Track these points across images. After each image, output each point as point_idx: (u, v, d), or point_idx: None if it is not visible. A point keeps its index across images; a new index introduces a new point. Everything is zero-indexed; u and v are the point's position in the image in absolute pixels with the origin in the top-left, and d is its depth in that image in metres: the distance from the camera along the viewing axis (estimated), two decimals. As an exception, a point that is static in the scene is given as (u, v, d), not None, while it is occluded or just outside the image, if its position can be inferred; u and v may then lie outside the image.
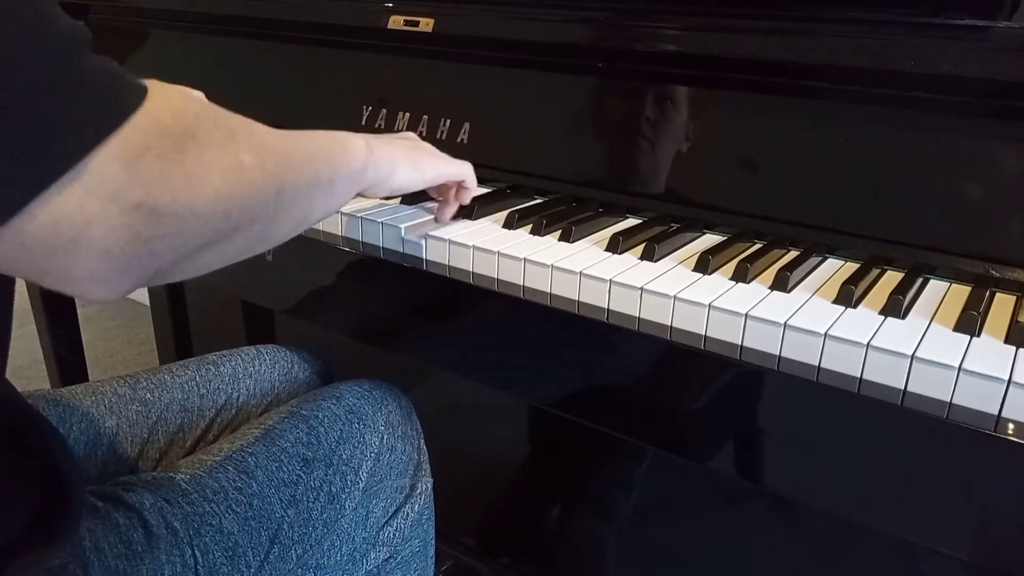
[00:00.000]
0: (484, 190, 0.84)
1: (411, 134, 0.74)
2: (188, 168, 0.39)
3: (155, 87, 0.39)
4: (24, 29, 0.34)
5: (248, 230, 0.44)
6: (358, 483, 0.68)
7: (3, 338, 0.45)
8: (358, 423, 0.70)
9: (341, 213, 0.77)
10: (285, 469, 0.64)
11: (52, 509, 0.47)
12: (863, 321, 0.55)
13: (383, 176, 0.62)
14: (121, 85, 0.37)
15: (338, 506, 0.66)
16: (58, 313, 1.38)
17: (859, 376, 0.52)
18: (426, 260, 0.72)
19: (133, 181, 0.36)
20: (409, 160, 0.66)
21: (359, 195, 0.62)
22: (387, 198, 0.77)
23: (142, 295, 2.04)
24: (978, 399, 0.49)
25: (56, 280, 0.37)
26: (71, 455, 0.52)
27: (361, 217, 0.76)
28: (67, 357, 1.40)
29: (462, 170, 0.72)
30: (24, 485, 0.45)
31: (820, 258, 0.68)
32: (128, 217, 0.36)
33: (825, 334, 0.53)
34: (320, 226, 0.79)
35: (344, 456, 0.67)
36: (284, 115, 1.05)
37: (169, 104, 0.39)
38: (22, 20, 0.34)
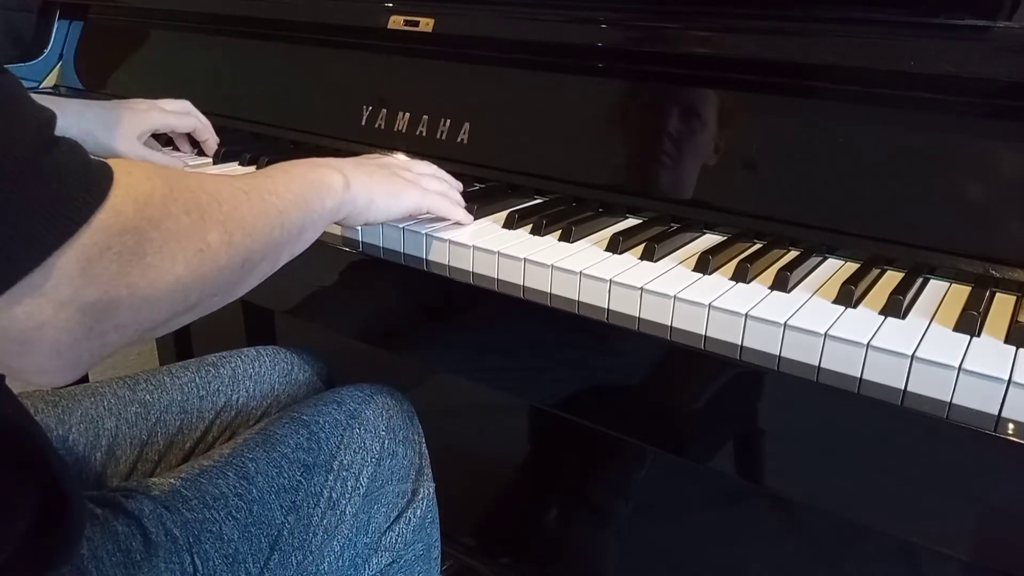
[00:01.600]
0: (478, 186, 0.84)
1: (401, 156, 0.74)
2: (148, 261, 0.39)
3: (121, 170, 0.39)
4: None
5: (207, 303, 0.45)
6: (359, 488, 0.68)
7: None
8: (359, 428, 0.70)
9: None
10: (286, 475, 0.64)
11: (53, 527, 0.46)
12: (863, 321, 0.55)
13: (359, 210, 0.62)
14: (84, 181, 0.36)
15: (339, 512, 0.66)
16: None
17: (859, 376, 0.52)
18: (426, 260, 0.72)
19: (89, 284, 0.36)
20: (388, 191, 0.65)
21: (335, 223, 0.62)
22: None
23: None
24: (978, 399, 0.49)
25: (5, 371, 0.37)
26: (71, 475, 0.51)
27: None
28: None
29: (441, 205, 0.70)
30: (23, 502, 0.45)
31: (820, 258, 0.68)
32: (81, 317, 0.36)
33: (825, 334, 0.53)
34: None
35: (345, 462, 0.67)
36: (284, 115, 1.05)
37: (133, 193, 0.38)
38: None
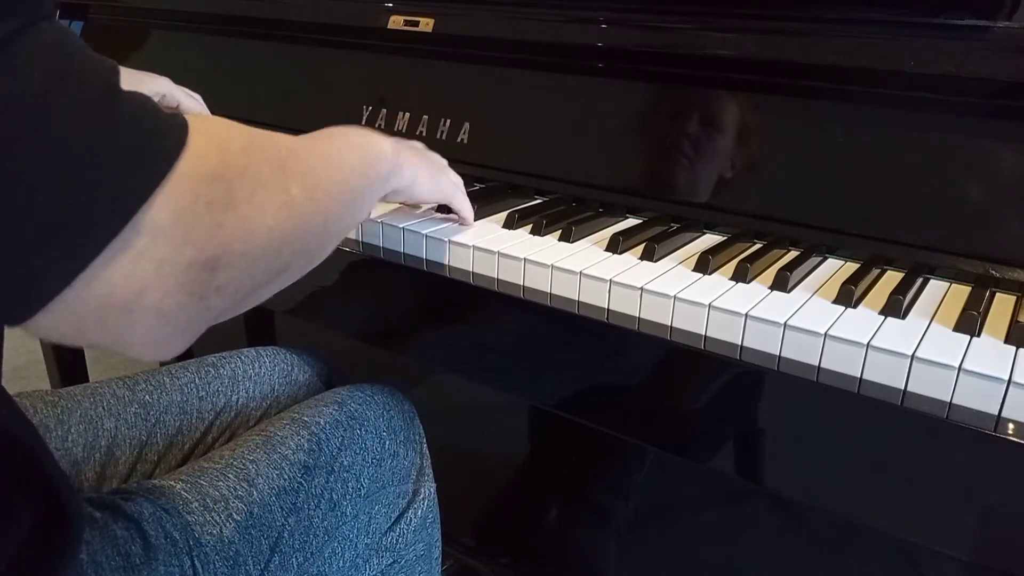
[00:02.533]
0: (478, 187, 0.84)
1: (419, 144, 0.72)
2: (241, 213, 0.36)
3: (195, 123, 0.36)
4: (54, 77, 0.31)
5: (297, 264, 0.42)
6: (360, 489, 0.67)
7: None
8: (360, 429, 0.70)
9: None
10: (286, 476, 0.63)
11: (51, 535, 0.46)
12: (863, 321, 0.55)
13: (405, 183, 0.61)
14: (160, 128, 0.34)
15: (339, 513, 0.65)
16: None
17: (859, 376, 0.52)
18: (426, 260, 0.72)
19: (185, 239, 0.33)
20: (428, 172, 0.65)
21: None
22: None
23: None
24: (978, 399, 0.49)
25: (112, 346, 0.35)
26: (69, 482, 0.50)
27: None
28: (66, 357, 1.40)
29: (464, 201, 0.71)
30: (20, 510, 0.44)
31: (820, 258, 0.68)
32: (182, 278, 0.34)
33: (825, 334, 0.53)
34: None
35: (346, 463, 0.67)
36: (284, 115, 1.05)
37: (213, 141, 0.36)
38: (51, 68, 0.31)
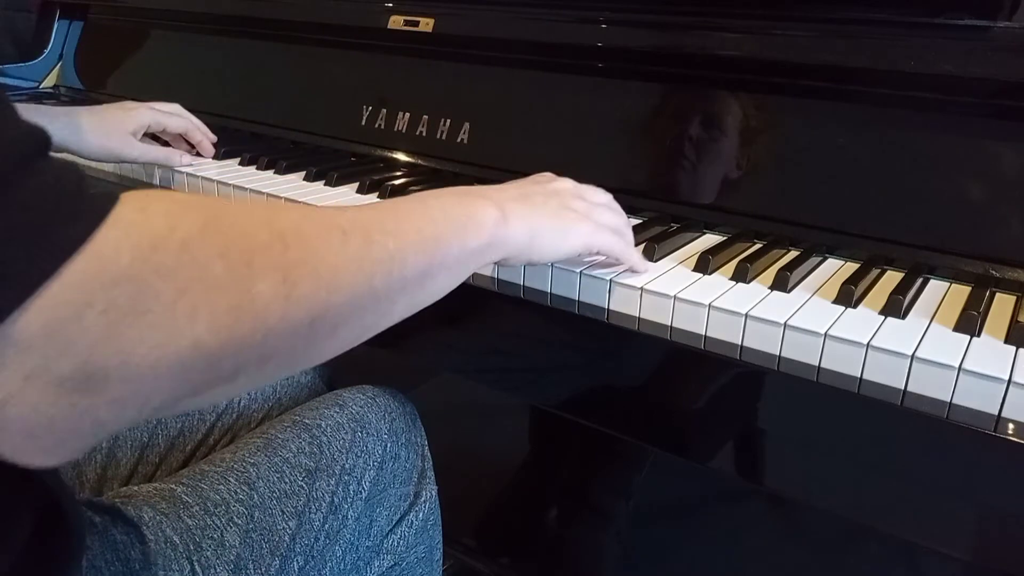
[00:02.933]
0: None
1: (570, 182, 0.61)
2: (151, 320, 0.30)
3: (129, 204, 0.30)
4: None
5: (256, 372, 0.35)
6: (361, 493, 0.67)
7: None
8: (361, 432, 0.69)
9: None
10: (287, 480, 0.63)
11: (51, 544, 0.45)
12: (863, 321, 0.55)
13: (517, 249, 0.51)
14: (61, 214, 0.28)
15: (341, 516, 0.65)
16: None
17: (859, 376, 0.52)
18: (426, 260, 0.72)
19: (62, 351, 0.28)
20: (554, 226, 0.54)
21: None
22: None
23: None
24: (978, 399, 0.49)
25: None
26: (70, 491, 0.49)
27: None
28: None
29: (614, 245, 0.59)
30: (18, 519, 0.43)
31: (820, 258, 0.68)
32: (56, 391, 0.29)
33: (825, 334, 0.53)
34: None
35: (347, 466, 0.67)
36: (284, 115, 1.05)
37: (136, 233, 0.30)
38: None
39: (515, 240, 0.50)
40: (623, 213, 0.62)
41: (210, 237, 0.32)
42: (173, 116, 0.95)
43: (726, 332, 0.57)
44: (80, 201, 0.29)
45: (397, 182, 0.83)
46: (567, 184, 0.60)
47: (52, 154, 0.31)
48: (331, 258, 0.36)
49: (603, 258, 0.62)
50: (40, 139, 0.30)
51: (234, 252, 0.33)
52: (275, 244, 0.34)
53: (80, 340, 0.29)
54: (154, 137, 0.96)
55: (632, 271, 0.61)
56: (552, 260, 0.56)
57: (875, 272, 0.64)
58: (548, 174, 0.61)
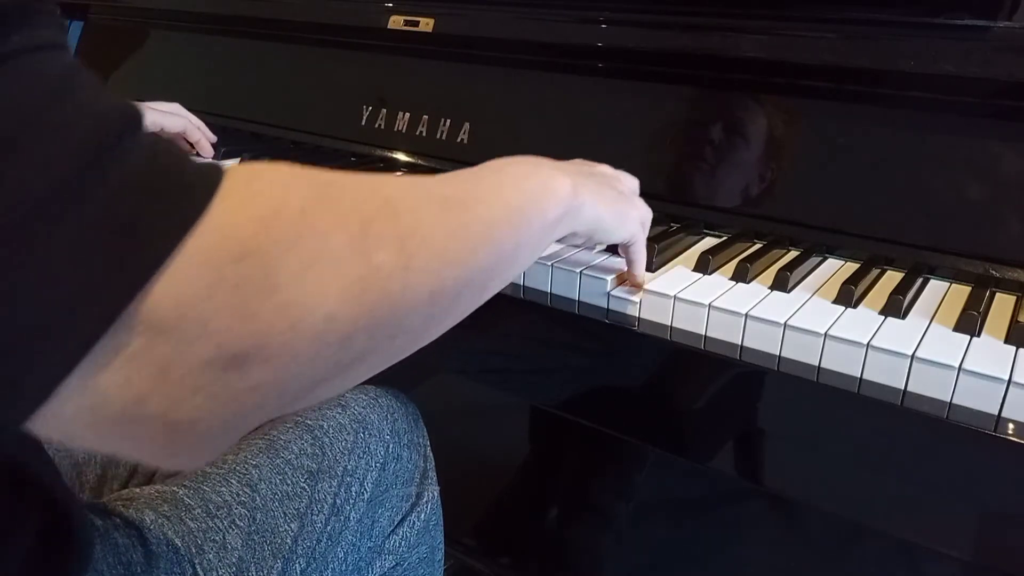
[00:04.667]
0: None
1: (608, 167, 0.58)
2: (284, 297, 0.28)
3: (238, 175, 0.29)
4: (18, 131, 0.24)
5: (384, 350, 0.34)
6: (363, 494, 0.67)
7: None
8: (364, 433, 0.69)
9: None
10: (289, 482, 0.63)
11: (56, 552, 0.45)
12: (863, 321, 0.55)
13: (583, 225, 0.49)
14: (172, 190, 0.27)
15: (343, 518, 0.65)
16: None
17: (859, 376, 0.52)
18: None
19: (198, 335, 0.26)
20: (615, 210, 0.53)
21: None
22: None
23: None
24: (978, 399, 0.49)
25: (132, 459, 0.29)
26: (75, 497, 0.49)
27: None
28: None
29: (641, 246, 0.58)
30: (21, 526, 0.43)
31: (820, 258, 0.68)
32: (195, 380, 0.27)
33: (825, 334, 0.53)
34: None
35: (349, 467, 0.67)
36: (284, 115, 1.05)
37: (254, 204, 0.28)
38: (17, 118, 0.25)
39: (586, 214, 0.48)
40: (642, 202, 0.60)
41: (326, 205, 0.30)
42: (171, 116, 0.95)
43: (726, 332, 0.57)
44: (190, 174, 0.28)
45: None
46: (609, 169, 0.58)
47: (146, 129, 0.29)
48: (438, 229, 0.35)
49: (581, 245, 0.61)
50: (138, 113, 0.28)
51: (351, 221, 0.31)
52: (387, 212, 0.32)
53: (214, 321, 0.26)
54: None
55: (631, 275, 0.60)
56: (608, 242, 0.56)
57: (875, 272, 0.64)
58: (585, 161, 0.59)
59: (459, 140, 0.87)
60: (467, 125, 0.87)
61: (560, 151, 0.83)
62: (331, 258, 0.29)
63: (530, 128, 0.85)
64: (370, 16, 0.95)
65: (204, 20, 1.15)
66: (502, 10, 0.87)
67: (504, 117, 0.86)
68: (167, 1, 1.19)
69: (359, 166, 0.93)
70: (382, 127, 0.93)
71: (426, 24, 0.90)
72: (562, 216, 0.45)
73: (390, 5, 0.94)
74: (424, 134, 0.89)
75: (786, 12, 0.71)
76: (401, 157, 0.93)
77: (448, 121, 0.88)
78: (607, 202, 0.52)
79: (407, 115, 0.91)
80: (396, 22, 0.92)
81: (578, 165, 0.56)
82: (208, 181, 0.28)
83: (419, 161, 0.91)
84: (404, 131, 0.91)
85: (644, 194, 0.77)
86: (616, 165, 0.80)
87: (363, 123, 0.95)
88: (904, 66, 0.64)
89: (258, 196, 0.29)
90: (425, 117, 0.90)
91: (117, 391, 0.26)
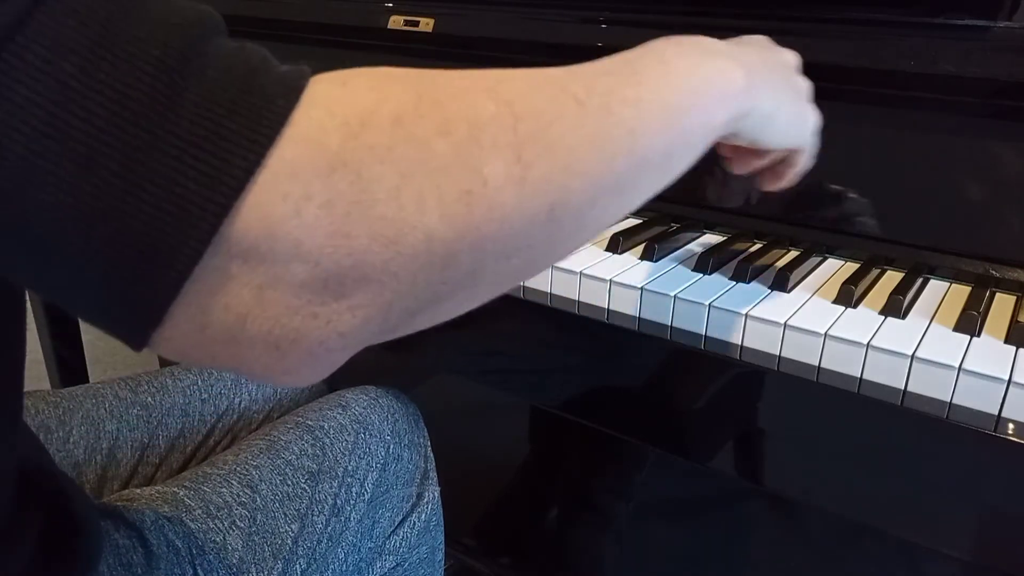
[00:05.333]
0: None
1: (793, 53, 0.49)
2: (380, 212, 0.26)
3: (326, 81, 0.27)
4: (88, 52, 0.24)
5: (497, 271, 0.30)
6: (364, 495, 0.67)
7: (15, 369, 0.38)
8: (364, 433, 0.69)
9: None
10: (290, 483, 0.63)
11: (63, 554, 0.45)
12: (863, 321, 0.55)
13: (752, 124, 0.41)
14: (250, 101, 0.25)
15: (343, 518, 0.65)
16: (58, 312, 1.38)
17: (859, 376, 0.52)
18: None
19: (291, 255, 0.25)
20: (794, 107, 0.45)
21: None
22: None
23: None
24: (978, 399, 0.49)
25: (246, 374, 0.28)
26: (86, 498, 0.49)
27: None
28: (67, 357, 1.40)
29: (813, 145, 0.49)
30: (26, 526, 0.43)
31: (820, 258, 0.68)
32: (293, 301, 0.26)
33: (825, 334, 0.53)
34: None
35: (350, 468, 0.67)
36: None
37: (342, 112, 0.26)
38: (88, 38, 0.24)
39: (757, 113, 0.41)
40: None
41: (427, 110, 0.28)
42: None
43: (726, 332, 0.57)
44: (270, 78, 0.26)
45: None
46: (793, 57, 0.49)
47: (226, 34, 0.28)
48: (568, 135, 0.30)
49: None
50: (213, 18, 0.27)
51: (458, 127, 0.28)
52: (504, 116, 0.29)
53: (307, 239, 0.25)
54: None
55: (777, 175, 0.50)
56: (777, 146, 0.46)
57: (875, 272, 0.64)
58: (766, 38, 0.49)
59: (459, 140, 0.87)
60: (467, 125, 0.87)
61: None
62: (431, 169, 0.27)
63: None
64: (370, 16, 0.95)
65: (204, 20, 1.15)
66: (502, 10, 0.87)
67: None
68: (167, 1, 1.19)
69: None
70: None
71: (426, 24, 0.90)
72: (731, 118, 0.39)
73: (390, 5, 0.94)
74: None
75: (785, 12, 0.71)
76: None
77: (448, 121, 0.88)
78: (785, 101, 0.44)
79: (407, 115, 0.91)
80: (396, 22, 0.92)
81: (756, 48, 0.46)
82: (291, 88, 0.26)
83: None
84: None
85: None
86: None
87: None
88: (904, 66, 0.64)
89: (347, 102, 0.27)
90: (425, 117, 0.90)
91: (220, 312, 0.26)
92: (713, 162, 0.74)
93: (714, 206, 0.74)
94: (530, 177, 0.29)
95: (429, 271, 0.28)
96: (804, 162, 0.49)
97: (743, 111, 0.40)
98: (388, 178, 0.26)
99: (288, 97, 0.26)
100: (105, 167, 0.24)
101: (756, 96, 0.40)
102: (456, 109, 0.28)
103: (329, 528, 0.64)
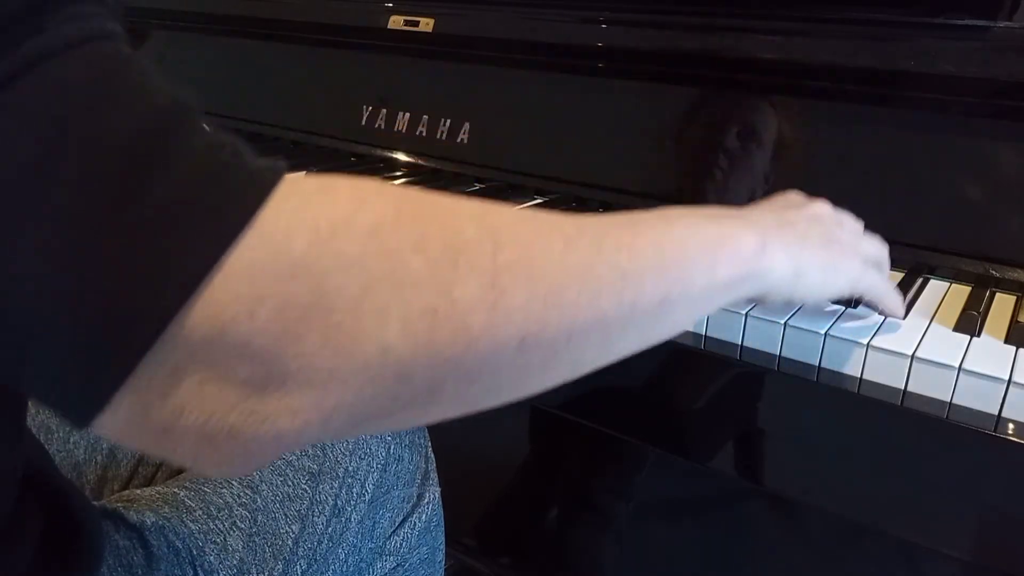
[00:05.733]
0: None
1: (826, 205, 0.51)
2: (336, 320, 0.25)
3: (306, 182, 0.27)
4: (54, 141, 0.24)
5: (455, 394, 0.29)
6: (364, 495, 0.67)
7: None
8: (365, 434, 0.69)
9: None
10: (291, 483, 0.63)
11: (64, 556, 0.45)
12: (863, 321, 0.55)
13: (777, 286, 0.42)
14: (219, 193, 0.25)
15: (344, 519, 0.65)
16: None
17: (859, 376, 0.52)
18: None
19: (237, 355, 0.25)
20: (823, 262, 0.45)
21: None
22: None
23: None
24: (978, 399, 0.49)
25: (178, 464, 0.29)
26: (87, 502, 0.49)
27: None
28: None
29: (878, 287, 0.51)
30: (26, 528, 0.42)
31: (820, 258, 0.68)
32: (232, 400, 0.26)
33: (825, 334, 0.53)
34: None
35: (351, 468, 0.67)
36: (284, 115, 1.05)
37: (313, 215, 0.26)
38: (55, 123, 0.24)
39: (777, 275, 0.41)
40: (882, 242, 0.52)
41: (406, 225, 0.27)
42: None
43: (726, 332, 0.57)
44: (240, 175, 0.25)
45: (397, 182, 0.83)
46: (826, 208, 0.50)
47: (201, 124, 0.27)
48: (551, 266, 0.29)
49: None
50: (186, 105, 0.26)
51: (434, 246, 0.27)
52: (485, 242, 0.28)
53: (255, 341, 0.25)
54: None
55: (886, 314, 0.53)
56: (815, 301, 0.47)
57: (875, 272, 0.64)
58: (799, 194, 0.52)
59: (459, 140, 0.87)
60: (467, 125, 0.87)
61: (559, 150, 0.83)
62: (398, 283, 0.26)
63: (530, 128, 0.85)
64: (370, 16, 0.95)
65: (204, 20, 1.15)
66: (502, 10, 0.87)
67: (504, 117, 0.86)
68: (167, 1, 1.19)
69: (359, 166, 0.93)
70: (382, 127, 0.93)
71: (426, 24, 0.90)
72: (740, 278, 0.39)
73: (390, 5, 0.94)
74: (424, 134, 0.89)
75: (785, 12, 0.71)
76: (401, 157, 0.93)
77: (448, 121, 0.88)
78: (814, 255, 0.44)
79: (407, 115, 0.91)
80: (396, 22, 0.92)
81: (781, 209, 0.48)
82: (260, 187, 0.25)
83: (419, 161, 0.91)
84: (404, 131, 0.91)
85: (644, 194, 0.77)
86: (615, 164, 0.80)
87: (363, 123, 0.95)
88: (904, 66, 0.64)
89: (321, 208, 0.26)
90: (425, 117, 0.90)
91: (158, 403, 0.26)
92: (713, 162, 0.74)
93: (714, 206, 0.74)
94: (503, 304, 0.28)
95: (379, 384, 0.27)
96: (882, 295, 0.51)
97: (755, 272, 0.39)
98: (351, 287, 0.25)
99: (256, 196, 0.25)
100: (62, 254, 0.23)
101: (772, 257, 0.40)
102: (436, 228, 0.28)
103: (330, 529, 0.64)
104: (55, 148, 0.23)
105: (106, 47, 0.26)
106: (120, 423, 0.26)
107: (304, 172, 0.88)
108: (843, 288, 0.47)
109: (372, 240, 0.26)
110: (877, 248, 0.51)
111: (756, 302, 0.42)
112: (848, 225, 0.51)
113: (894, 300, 0.52)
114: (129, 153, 0.24)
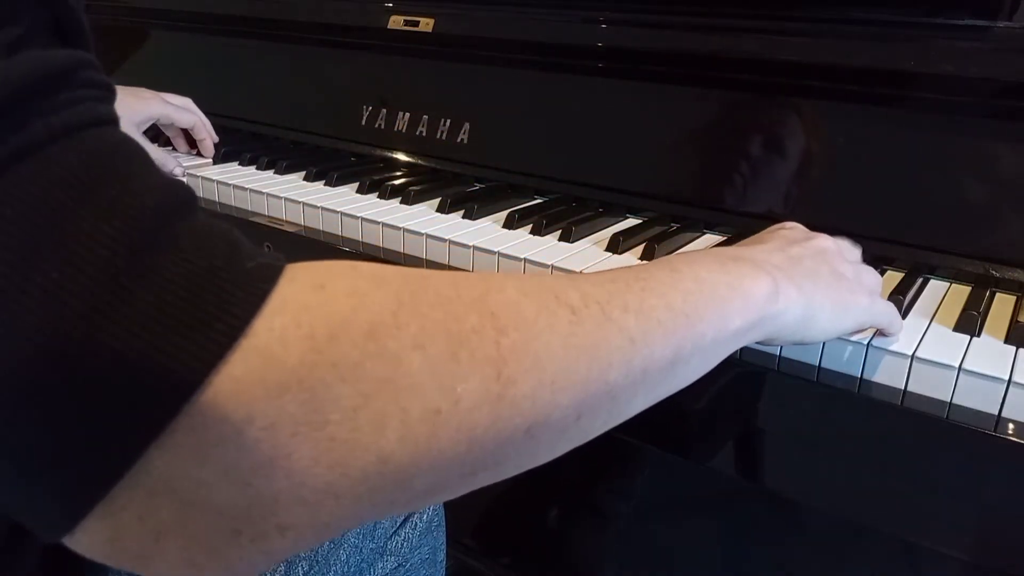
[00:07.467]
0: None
1: (827, 238, 0.50)
2: (330, 432, 0.23)
3: (301, 280, 0.24)
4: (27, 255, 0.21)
5: (455, 486, 0.28)
6: None
7: None
8: None
9: (323, 209, 0.77)
10: None
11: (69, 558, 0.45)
12: (863, 321, 0.55)
13: (789, 329, 0.40)
14: (210, 295, 0.23)
15: None
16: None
17: (859, 376, 0.52)
18: (426, 262, 0.72)
19: (221, 476, 0.23)
20: (835, 302, 0.44)
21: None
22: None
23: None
24: (978, 399, 0.49)
25: None
26: None
27: (361, 218, 0.76)
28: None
29: (887, 316, 0.50)
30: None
31: (820, 258, 0.68)
32: (216, 523, 0.24)
33: (825, 334, 0.53)
34: (320, 224, 0.79)
35: None
36: (284, 115, 1.05)
37: (310, 322, 0.23)
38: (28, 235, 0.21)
39: (787, 318, 0.39)
40: (873, 270, 0.51)
41: (406, 322, 0.25)
42: (183, 111, 0.96)
43: (726, 332, 0.57)
44: (233, 279, 0.23)
45: (397, 182, 0.83)
46: (828, 242, 0.49)
47: (193, 217, 0.24)
48: (557, 347, 0.28)
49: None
50: (181, 196, 0.24)
51: (436, 341, 0.25)
52: (487, 329, 0.26)
53: (242, 462, 0.23)
54: (157, 129, 0.97)
55: (889, 337, 0.52)
56: (824, 340, 0.46)
57: (875, 272, 0.64)
58: (799, 227, 0.51)
59: (459, 140, 0.87)
60: (467, 125, 0.87)
61: (560, 151, 0.83)
62: (399, 387, 0.24)
63: (530, 128, 0.85)
64: (370, 16, 0.95)
65: (204, 20, 1.15)
66: (502, 10, 0.87)
67: (504, 117, 0.86)
68: (167, 1, 1.19)
69: (359, 166, 0.93)
70: (382, 127, 0.93)
71: (426, 24, 0.90)
72: (751, 325, 0.37)
73: (390, 5, 0.94)
74: (424, 134, 0.89)
75: (785, 12, 0.71)
76: (401, 157, 0.93)
77: (448, 121, 0.88)
78: (824, 295, 0.43)
79: (407, 115, 0.91)
80: (396, 22, 0.92)
81: (790, 244, 0.46)
82: (255, 292, 0.23)
83: (419, 161, 0.91)
84: (404, 131, 0.91)
85: (644, 195, 0.77)
86: (615, 165, 0.80)
87: (363, 123, 0.95)
88: (904, 66, 0.64)
89: (319, 311, 0.24)
90: (425, 117, 0.90)
91: (135, 526, 0.24)
92: (712, 161, 0.74)
93: (714, 206, 0.74)
94: (509, 395, 0.26)
95: (378, 493, 0.25)
96: (890, 323, 0.50)
97: (768, 316, 0.38)
98: (347, 398, 0.23)
99: (250, 302, 0.23)
100: (31, 371, 0.21)
101: (785, 299, 0.39)
102: (437, 321, 0.26)
103: None
104: (31, 255, 0.21)
105: (88, 141, 0.24)
106: (96, 544, 0.24)
107: (303, 172, 0.88)
108: (850, 327, 0.47)
109: (371, 342, 0.24)
110: (876, 277, 0.51)
111: (765, 343, 0.41)
112: (850, 256, 0.50)
113: (899, 325, 0.52)
114: (109, 261, 0.22)
